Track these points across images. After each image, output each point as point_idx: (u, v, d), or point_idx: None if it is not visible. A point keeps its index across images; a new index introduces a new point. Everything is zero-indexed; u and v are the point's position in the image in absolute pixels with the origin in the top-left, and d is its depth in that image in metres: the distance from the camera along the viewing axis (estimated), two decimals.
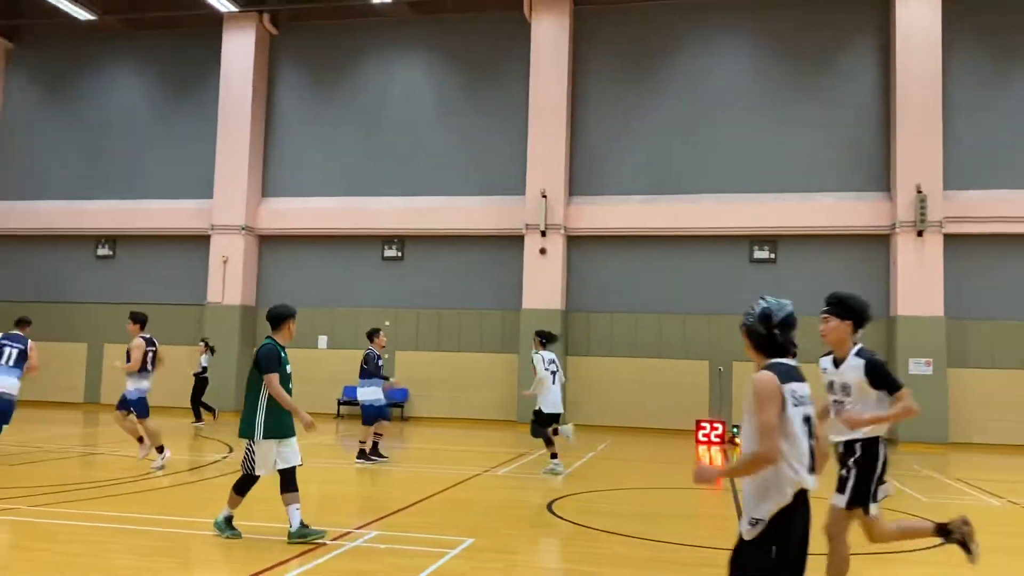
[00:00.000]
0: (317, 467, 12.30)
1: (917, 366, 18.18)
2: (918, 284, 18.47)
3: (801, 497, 3.60)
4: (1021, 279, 18.70)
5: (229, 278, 21.76)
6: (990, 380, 18.47)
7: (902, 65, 18.92)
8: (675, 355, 19.98)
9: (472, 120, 21.60)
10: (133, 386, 11.62)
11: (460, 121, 21.70)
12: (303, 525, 7.03)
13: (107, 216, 23.11)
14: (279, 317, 7.45)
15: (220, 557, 6.65)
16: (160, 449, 11.39)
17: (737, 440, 15.60)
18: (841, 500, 5.16)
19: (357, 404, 13.52)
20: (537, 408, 12.18)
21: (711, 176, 20.12)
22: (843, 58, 20.03)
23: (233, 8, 21.57)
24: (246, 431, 7.14)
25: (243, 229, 21.84)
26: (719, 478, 3.75)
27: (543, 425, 12.16)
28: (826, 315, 5.31)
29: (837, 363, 5.26)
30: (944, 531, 5.44)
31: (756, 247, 19.96)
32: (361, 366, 12.98)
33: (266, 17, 22.39)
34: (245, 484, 7.21)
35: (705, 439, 17.54)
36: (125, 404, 11.67)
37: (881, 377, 5.16)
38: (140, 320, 11.83)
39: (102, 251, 23.42)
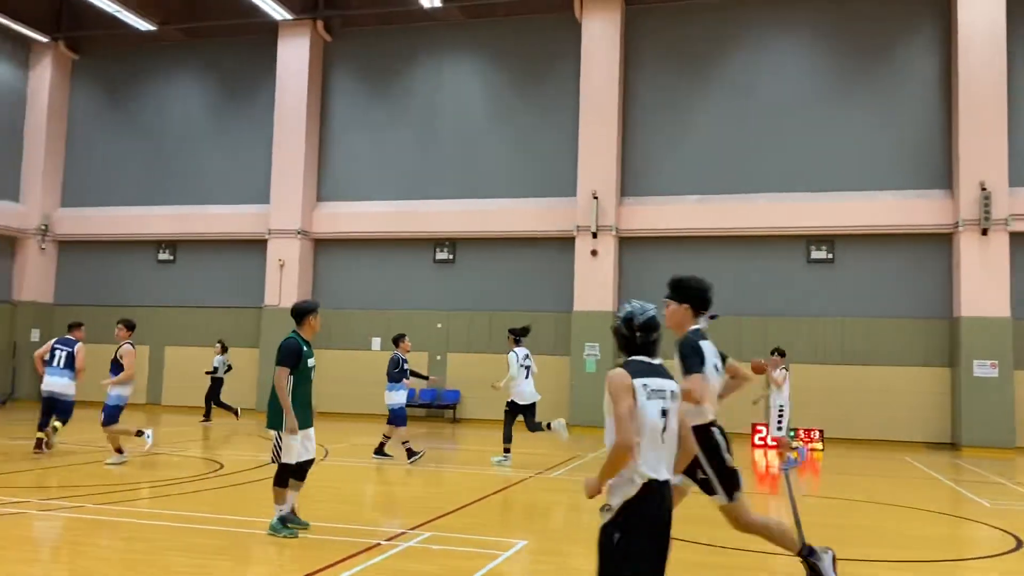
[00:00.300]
0: (369, 468, 12.43)
1: (982, 368, 17.64)
2: (983, 284, 17.90)
3: (654, 488, 3.66)
4: None
5: (286, 281, 22.14)
6: None
7: (964, 57, 18.36)
8: (731, 357, 19.60)
9: (523, 122, 21.61)
10: (117, 392, 11.64)
11: (511, 123, 21.73)
12: (293, 513, 7.43)
13: (168, 222, 23.69)
14: (301, 312, 7.59)
15: (275, 556, 6.73)
16: (119, 450, 11.53)
17: (796, 442, 15.28)
18: (720, 498, 5.30)
19: (410, 406, 13.84)
20: (511, 400, 12.94)
21: (766, 175, 19.79)
22: (902, 51, 19.54)
23: (288, 16, 21.96)
24: (274, 422, 7.34)
25: (299, 233, 22.19)
26: (600, 483, 3.75)
27: (515, 416, 12.91)
28: (666, 299, 5.24)
29: None
30: (809, 553, 5.43)
31: (813, 247, 19.56)
32: (389, 370, 13.21)
33: (320, 24, 22.75)
34: (282, 475, 7.34)
35: (762, 443, 17.25)
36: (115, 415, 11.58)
37: (681, 357, 5.08)
38: (131, 327, 12.08)
39: (163, 256, 24.01)
